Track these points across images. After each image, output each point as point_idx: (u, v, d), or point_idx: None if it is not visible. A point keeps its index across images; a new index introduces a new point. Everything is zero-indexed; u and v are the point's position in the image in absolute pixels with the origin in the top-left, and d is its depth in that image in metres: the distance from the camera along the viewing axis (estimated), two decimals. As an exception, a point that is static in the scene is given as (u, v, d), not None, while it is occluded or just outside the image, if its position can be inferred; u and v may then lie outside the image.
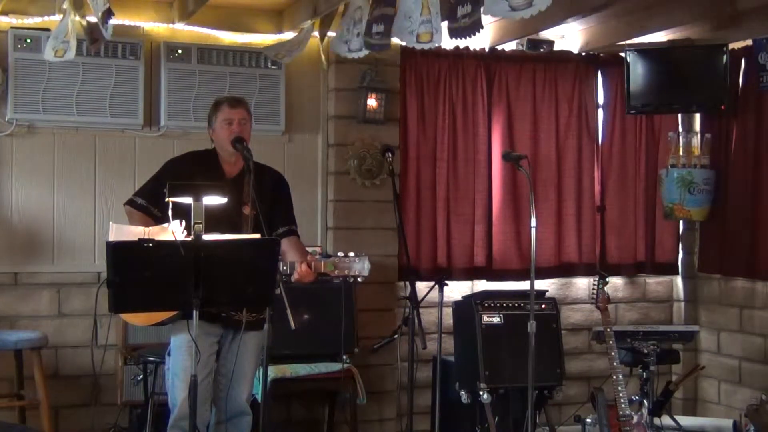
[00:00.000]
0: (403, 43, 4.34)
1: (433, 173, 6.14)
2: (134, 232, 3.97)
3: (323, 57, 5.46)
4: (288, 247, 4.17)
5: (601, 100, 6.58)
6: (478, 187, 6.24)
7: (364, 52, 4.76)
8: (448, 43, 5.99)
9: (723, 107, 6.16)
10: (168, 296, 3.56)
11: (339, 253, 4.14)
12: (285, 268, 4.00)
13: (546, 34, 6.17)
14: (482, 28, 3.78)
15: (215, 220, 3.86)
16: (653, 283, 6.77)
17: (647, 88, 6.21)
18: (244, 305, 3.97)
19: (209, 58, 5.67)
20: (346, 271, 4.09)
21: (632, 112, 6.34)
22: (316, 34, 5.32)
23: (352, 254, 4.12)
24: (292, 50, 5.33)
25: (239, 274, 3.62)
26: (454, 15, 3.86)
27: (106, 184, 5.56)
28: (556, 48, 6.33)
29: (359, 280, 4.15)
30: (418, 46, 4.14)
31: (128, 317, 4.27)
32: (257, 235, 3.99)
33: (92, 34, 4.71)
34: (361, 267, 4.09)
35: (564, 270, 6.48)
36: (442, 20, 4.00)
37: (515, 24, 5.83)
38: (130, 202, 4.26)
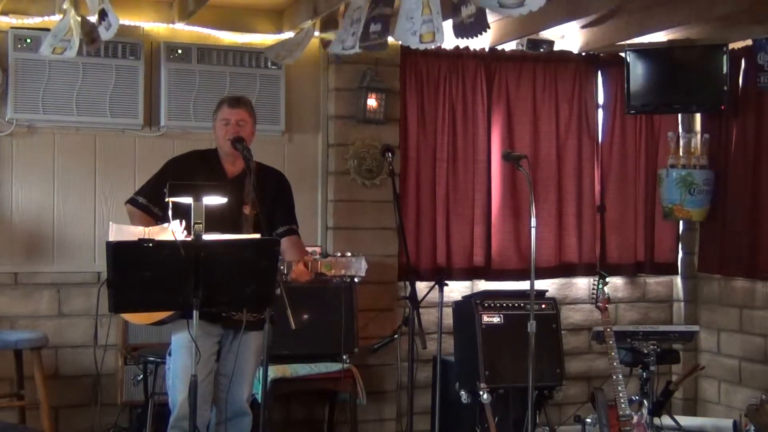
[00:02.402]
0: (401, 43, 4.33)
1: (432, 173, 6.14)
2: (134, 232, 3.96)
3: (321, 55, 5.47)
4: (287, 246, 4.16)
5: (601, 100, 6.58)
6: (477, 187, 6.24)
7: (356, 50, 4.74)
8: (448, 43, 5.99)
9: (723, 107, 6.16)
10: (168, 296, 3.55)
11: (336, 253, 4.14)
12: (282, 267, 4.01)
13: (546, 34, 6.17)
14: (488, 27, 3.77)
15: (216, 219, 3.86)
16: (653, 283, 6.77)
17: (647, 88, 6.21)
18: (244, 305, 3.96)
19: (209, 58, 5.67)
20: (343, 271, 4.08)
21: (632, 112, 6.35)
22: (317, 33, 5.31)
23: (349, 254, 4.12)
24: (293, 51, 5.32)
25: (239, 274, 3.61)
26: (458, 14, 3.85)
27: (106, 184, 5.56)
28: (556, 48, 6.34)
29: (356, 280, 4.15)
30: (422, 47, 4.13)
31: (128, 315, 4.27)
32: (257, 235, 3.99)
33: (91, 34, 4.70)
34: (358, 267, 4.09)
35: (564, 270, 6.48)
36: (445, 19, 3.99)
37: (515, 24, 5.83)
38: (132, 201, 4.26)
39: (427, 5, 3.93)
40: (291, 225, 4.30)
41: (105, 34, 4.50)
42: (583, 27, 5.99)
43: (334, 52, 4.74)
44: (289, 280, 4.04)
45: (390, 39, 4.51)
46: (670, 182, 6.34)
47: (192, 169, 4.17)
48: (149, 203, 4.19)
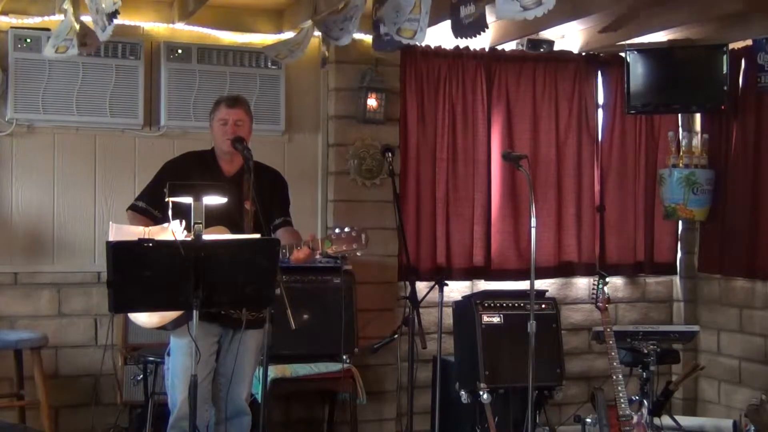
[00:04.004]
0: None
1: (432, 173, 6.14)
2: (134, 232, 3.97)
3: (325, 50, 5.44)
4: (283, 235, 4.19)
5: (601, 99, 6.58)
6: (477, 187, 6.24)
7: (344, 42, 4.69)
8: (448, 43, 6.04)
9: (723, 107, 6.16)
10: (168, 296, 3.55)
11: (335, 229, 4.12)
12: (284, 251, 4.01)
13: (546, 33, 6.17)
14: (487, 27, 3.77)
15: (215, 219, 3.87)
16: (653, 283, 6.77)
17: (647, 88, 6.21)
18: (244, 305, 3.97)
19: (209, 57, 5.67)
20: (344, 247, 4.07)
21: (632, 112, 6.34)
22: (317, 33, 5.31)
23: (347, 228, 4.10)
24: (293, 50, 5.32)
25: (239, 273, 3.61)
26: (457, 15, 3.86)
27: (106, 184, 5.56)
28: (556, 48, 6.33)
29: (358, 254, 4.13)
30: (397, 38, 4.13)
31: (138, 318, 4.24)
32: (257, 236, 3.99)
33: (83, 37, 4.69)
34: (358, 240, 4.08)
35: (564, 270, 6.48)
36: (445, 19, 3.99)
37: (515, 24, 5.82)
38: (132, 207, 4.27)
39: (418, 5, 3.94)
40: (287, 217, 4.33)
41: (102, 35, 4.49)
42: (581, 20, 5.96)
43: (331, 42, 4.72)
44: (291, 260, 4.04)
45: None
46: (673, 182, 6.32)
47: (189, 170, 4.18)
48: (149, 206, 4.20)
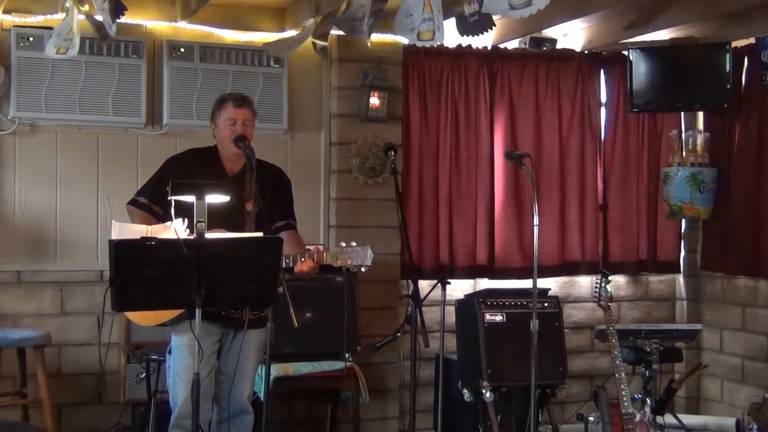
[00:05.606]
0: (406, 41, 4.33)
1: (435, 171, 6.14)
2: (137, 230, 3.97)
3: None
4: (285, 240, 4.16)
5: (603, 98, 6.57)
6: (480, 185, 6.24)
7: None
8: (450, 41, 6.03)
9: (726, 106, 6.15)
10: (170, 295, 3.55)
11: (341, 243, 4.11)
12: (288, 261, 4.00)
13: (549, 32, 6.17)
14: (494, 25, 3.76)
15: (217, 218, 3.86)
16: (656, 281, 6.76)
17: (650, 87, 6.20)
18: (246, 303, 3.96)
19: (212, 56, 5.67)
20: (349, 261, 4.07)
21: (635, 110, 6.34)
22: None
23: (354, 243, 4.09)
24: (293, 47, 5.32)
25: (242, 272, 3.61)
26: (462, 12, 3.85)
27: (108, 182, 5.56)
28: (558, 46, 6.34)
29: (362, 269, 4.12)
30: (419, 44, 4.13)
31: (133, 316, 4.26)
32: (260, 234, 3.99)
33: (100, 31, 4.70)
34: (364, 256, 4.07)
35: (567, 268, 6.47)
36: (448, 17, 3.99)
37: (518, 22, 5.82)
38: (133, 202, 4.26)
39: (428, 4, 3.92)
40: (289, 220, 4.32)
41: (111, 31, 4.49)
42: (584, 18, 5.94)
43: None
44: (296, 271, 4.04)
45: (392, 37, 4.50)
46: (680, 180, 6.30)
47: (191, 168, 4.18)
48: (150, 203, 4.20)
